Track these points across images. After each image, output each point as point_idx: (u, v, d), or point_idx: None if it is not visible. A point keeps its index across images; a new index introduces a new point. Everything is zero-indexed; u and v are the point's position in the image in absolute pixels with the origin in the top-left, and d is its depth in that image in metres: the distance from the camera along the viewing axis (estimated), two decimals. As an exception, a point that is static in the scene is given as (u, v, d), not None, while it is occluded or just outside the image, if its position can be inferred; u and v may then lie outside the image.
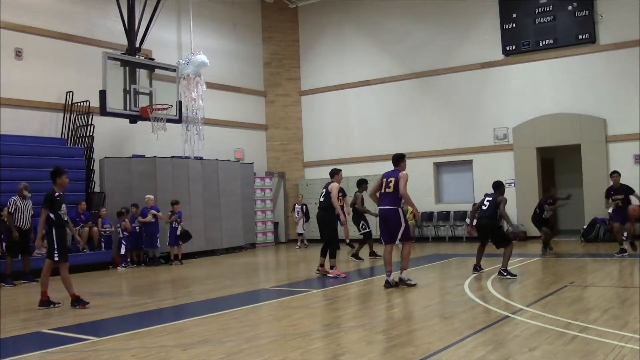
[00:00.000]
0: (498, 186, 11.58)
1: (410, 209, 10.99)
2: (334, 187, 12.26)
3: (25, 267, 13.63)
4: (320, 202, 12.47)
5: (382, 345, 6.50)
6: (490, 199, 11.43)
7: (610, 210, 14.85)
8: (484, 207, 11.44)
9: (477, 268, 11.83)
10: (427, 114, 21.92)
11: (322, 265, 12.51)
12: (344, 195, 13.96)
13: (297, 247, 20.96)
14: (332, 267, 12.22)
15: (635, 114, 18.38)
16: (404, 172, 10.39)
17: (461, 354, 5.85)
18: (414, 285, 10.31)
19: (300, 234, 21.17)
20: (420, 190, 21.69)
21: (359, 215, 15.39)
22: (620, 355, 5.54)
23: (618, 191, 14.23)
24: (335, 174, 12.43)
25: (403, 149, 21.86)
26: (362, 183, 15.43)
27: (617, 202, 14.16)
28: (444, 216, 21.41)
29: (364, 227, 15.38)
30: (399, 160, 10.62)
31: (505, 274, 10.87)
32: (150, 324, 8.03)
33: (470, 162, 21.20)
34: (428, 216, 21.67)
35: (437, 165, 21.93)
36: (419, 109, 22.11)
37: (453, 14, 21.48)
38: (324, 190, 12.42)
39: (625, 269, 12.02)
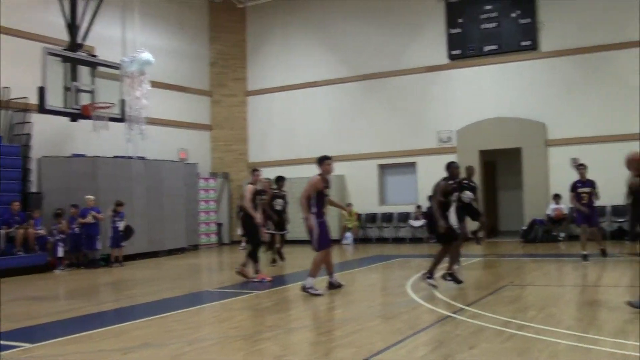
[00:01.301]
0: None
1: (343, 212, 10.75)
2: (246, 188, 12.06)
3: None
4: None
5: (326, 346, 6.51)
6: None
7: (578, 207, 13.20)
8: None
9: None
10: (373, 116, 22.07)
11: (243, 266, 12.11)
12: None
13: (240, 248, 20.79)
14: (256, 272, 11.91)
15: (573, 119, 18.90)
16: (313, 176, 9.98)
17: (403, 353, 5.90)
18: (319, 295, 9.60)
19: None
20: (365, 191, 21.89)
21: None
22: (554, 352, 5.67)
23: (585, 184, 13.20)
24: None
25: (348, 150, 22.24)
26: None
27: (584, 196, 13.07)
28: (388, 217, 21.57)
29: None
30: (318, 162, 10.14)
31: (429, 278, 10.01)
32: (89, 328, 7.82)
33: (414, 164, 21.42)
34: (372, 217, 21.81)
35: (382, 167, 22.08)
36: (365, 111, 22.25)
37: (400, 17, 21.67)
38: None
39: (562, 269, 12.32)
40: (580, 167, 13.54)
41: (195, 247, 21.34)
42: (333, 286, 10.21)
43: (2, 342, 7.12)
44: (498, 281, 10.73)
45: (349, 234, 21.18)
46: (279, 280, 12.02)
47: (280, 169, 23.01)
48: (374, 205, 21.90)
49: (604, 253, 13.16)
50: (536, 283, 10.56)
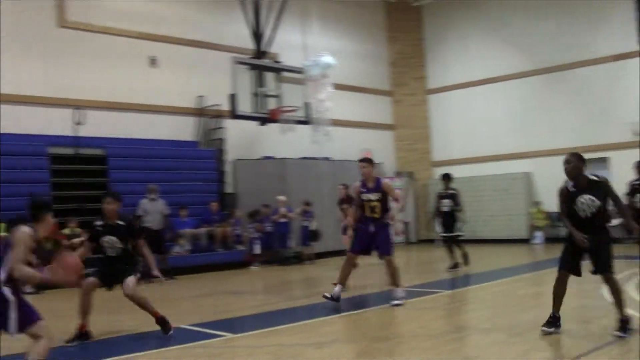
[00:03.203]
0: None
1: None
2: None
3: (163, 266, 14.01)
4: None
5: (518, 348, 6.21)
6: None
7: None
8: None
9: None
10: (558, 109, 20.87)
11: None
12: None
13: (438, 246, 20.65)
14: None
15: None
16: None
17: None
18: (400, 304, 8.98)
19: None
20: (554, 189, 20.67)
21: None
22: None
23: None
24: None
25: (533, 146, 21.33)
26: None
27: None
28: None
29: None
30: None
31: None
32: (283, 322, 8.09)
33: (605, 159, 19.96)
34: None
35: (568, 163, 20.82)
36: (549, 105, 21.13)
37: (581, 5, 20.29)
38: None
39: None
40: None
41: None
42: (330, 298, 9.15)
43: (207, 331, 7.59)
44: None
45: (538, 233, 20.28)
46: (467, 280, 11.75)
47: (463, 167, 22.65)
48: (563, 204, 20.74)
49: None
50: None
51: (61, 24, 15.72)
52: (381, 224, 9.32)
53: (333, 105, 19.58)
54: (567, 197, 6.92)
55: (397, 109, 24.33)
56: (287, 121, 16.63)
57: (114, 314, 8.69)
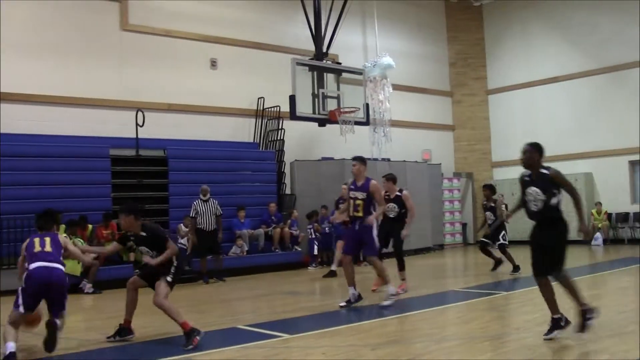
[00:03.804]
0: None
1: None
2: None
3: (217, 266, 14.12)
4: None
5: (576, 351, 6.08)
6: None
7: None
8: None
9: None
10: (620, 109, 20.27)
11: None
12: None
13: (495, 247, 20.31)
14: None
15: None
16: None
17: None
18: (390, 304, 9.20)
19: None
20: (615, 189, 20.24)
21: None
22: None
23: None
24: None
25: (594, 146, 20.84)
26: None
27: None
28: (642, 217, 19.76)
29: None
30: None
31: None
32: (339, 323, 8.10)
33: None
34: (624, 217, 20.13)
35: (633, 164, 20.20)
36: (611, 105, 20.56)
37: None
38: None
39: None
40: None
41: (440, 247, 21.28)
42: (347, 304, 9.42)
43: (264, 332, 7.64)
44: None
45: (598, 235, 19.74)
46: (524, 282, 11.51)
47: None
48: (626, 204, 20.14)
49: None
50: None
51: (123, 27, 16.11)
52: (364, 225, 9.27)
53: (392, 106, 19.59)
54: (522, 186, 6.82)
55: (457, 109, 24.08)
56: (346, 122, 16.65)
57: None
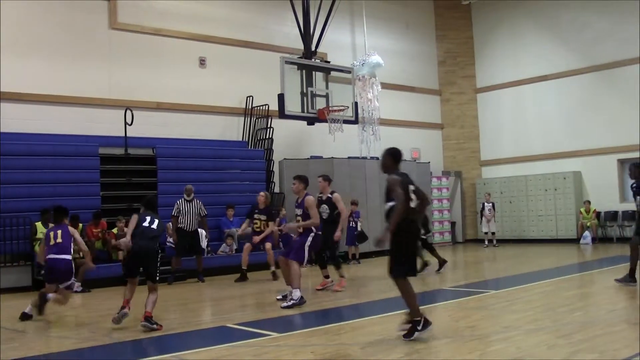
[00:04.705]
0: None
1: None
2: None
3: (198, 267, 13.97)
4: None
5: (565, 350, 6.09)
6: None
7: None
8: None
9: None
10: (609, 108, 20.37)
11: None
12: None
13: (484, 246, 20.43)
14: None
15: None
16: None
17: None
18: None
19: (486, 233, 20.65)
20: (604, 188, 20.34)
21: None
22: None
23: None
24: None
25: (584, 145, 20.92)
26: None
27: None
28: (630, 216, 19.79)
29: None
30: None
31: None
32: (329, 322, 8.14)
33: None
34: (612, 215, 20.24)
35: (622, 162, 20.31)
36: (600, 103, 20.64)
37: (635, 1, 19.79)
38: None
39: None
40: None
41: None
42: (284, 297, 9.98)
43: (253, 330, 7.65)
44: None
45: (587, 233, 19.86)
46: (514, 280, 11.58)
47: (512, 167, 22.39)
48: (615, 203, 20.25)
49: None
50: None
51: (113, 26, 16.06)
52: (302, 234, 10.09)
53: (381, 105, 19.62)
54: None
55: (446, 108, 24.14)
56: (335, 121, 16.66)
57: (158, 312, 8.80)
